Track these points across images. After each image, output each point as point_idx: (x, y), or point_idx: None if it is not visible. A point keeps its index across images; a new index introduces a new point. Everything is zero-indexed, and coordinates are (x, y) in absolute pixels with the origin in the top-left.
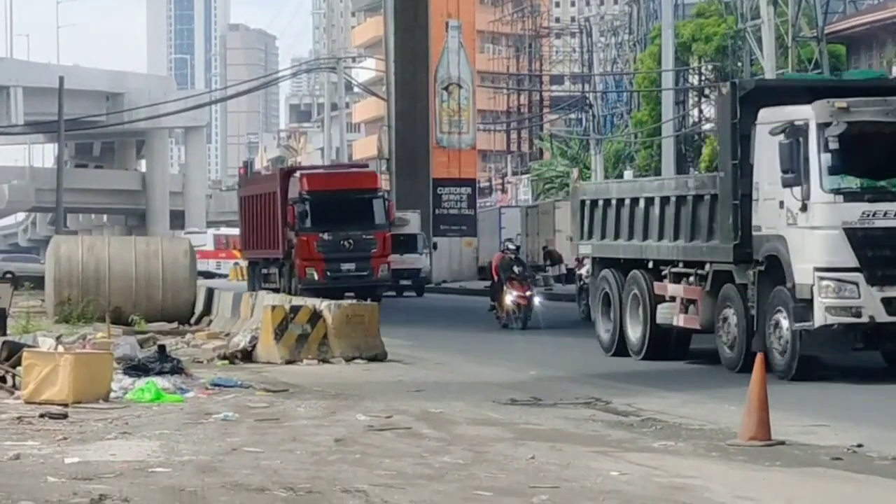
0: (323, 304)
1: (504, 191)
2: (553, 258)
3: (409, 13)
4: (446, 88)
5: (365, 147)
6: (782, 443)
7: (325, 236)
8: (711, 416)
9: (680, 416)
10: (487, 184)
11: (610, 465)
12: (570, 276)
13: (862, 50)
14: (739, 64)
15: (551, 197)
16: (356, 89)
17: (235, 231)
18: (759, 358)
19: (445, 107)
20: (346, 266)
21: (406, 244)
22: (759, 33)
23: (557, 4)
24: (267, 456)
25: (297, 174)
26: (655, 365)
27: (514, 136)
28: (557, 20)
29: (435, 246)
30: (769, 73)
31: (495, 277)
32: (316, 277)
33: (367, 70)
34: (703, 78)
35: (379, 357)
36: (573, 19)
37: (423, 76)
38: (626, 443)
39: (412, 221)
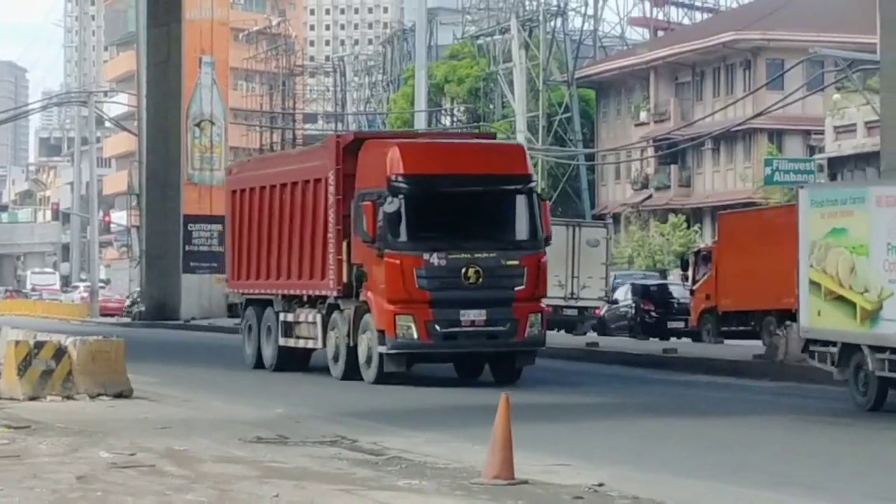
0: (68, 340)
1: None
2: None
3: (161, 49)
4: (198, 125)
5: (115, 182)
6: (526, 482)
7: (436, 259)
8: (456, 454)
9: (425, 455)
10: None
11: (355, 503)
12: None
13: (611, 94)
14: (491, 106)
15: None
16: (107, 124)
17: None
18: (503, 398)
19: (197, 143)
20: (470, 316)
21: None
22: (511, 76)
23: (312, 43)
24: (6, 493)
25: (378, 143)
26: (404, 403)
27: None
28: (312, 59)
29: None
30: (520, 116)
31: None
32: (415, 335)
33: (118, 105)
34: (455, 119)
35: (125, 394)
36: (327, 58)
37: (175, 112)
38: (370, 481)
39: None
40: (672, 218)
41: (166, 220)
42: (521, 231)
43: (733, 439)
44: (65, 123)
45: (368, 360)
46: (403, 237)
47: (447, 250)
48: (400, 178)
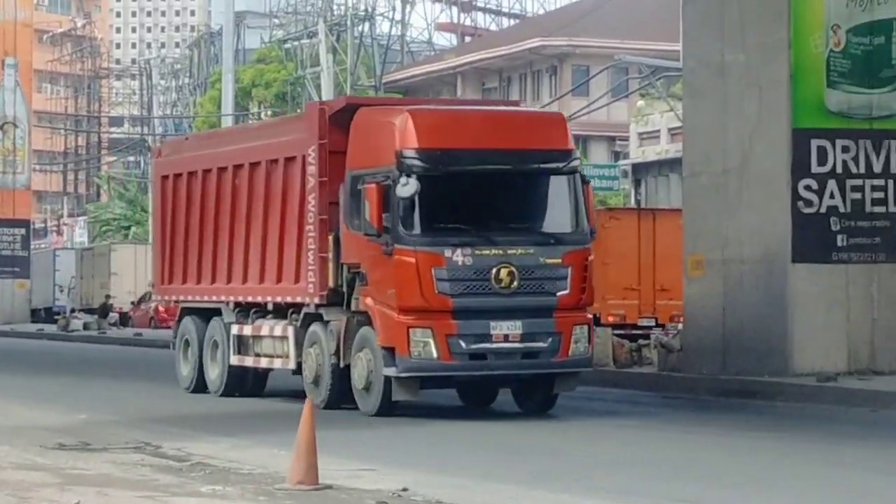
0: None
1: (60, 232)
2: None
3: None
4: (1, 127)
5: None
6: (330, 487)
7: (460, 257)
8: (261, 460)
9: (230, 461)
10: (43, 225)
11: None
12: (123, 320)
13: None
14: (299, 110)
15: (108, 239)
16: None
17: None
18: (307, 403)
19: (0, 146)
20: (503, 329)
21: None
22: (319, 80)
23: (118, 46)
24: None
25: (379, 111)
26: (209, 408)
27: (71, 177)
28: (118, 61)
29: None
30: None
31: None
32: (435, 354)
33: None
34: None
35: None
36: (134, 61)
37: None
38: (173, 487)
39: None
40: None
41: None
42: (564, 221)
43: (538, 444)
44: None
45: (368, 386)
46: (418, 229)
47: (474, 246)
48: (413, 154)
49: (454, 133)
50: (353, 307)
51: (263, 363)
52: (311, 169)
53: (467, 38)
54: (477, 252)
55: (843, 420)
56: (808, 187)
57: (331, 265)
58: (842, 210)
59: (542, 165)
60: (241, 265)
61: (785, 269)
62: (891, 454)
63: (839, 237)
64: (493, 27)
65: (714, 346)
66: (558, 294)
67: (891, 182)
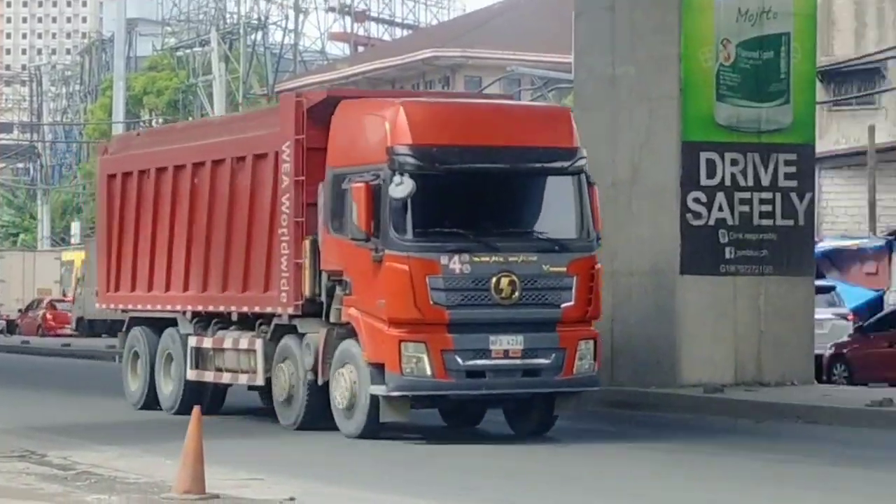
0: None
1: None
2: None
3: None
4: None
5: None
6: (217, 496)
7: (457, 264)
8: (147, 469)
9: (116, 470)
10: None
11: None
12: (10, 328)
13: None
14: (190, 118)
15: None
16: None
17: None
18: (195, 411)
19: None
20: (503, 343)
21: None
22: (211, 89)
23: (8, 51)
24: None
25: (366, 104)
26: (99, 417)
27: None
28: (8, 67)
29: None
30: None
31: None
32: (429, 371)
33: None
34: None
35: None
36: (24, 67)
37: None
38: (59, 496)
39: None
40: None
41: None
42: (568, 226)
43: (429, 455)
44: None
45: (351, 406)
46: (411, 233)
47: (472, 252)
48: (407, 151)
49: (451, 128)
50: (332, 318)
51: (225, 378)
52: (286, 167)
53: (360, 48)
54: (475, 259)
55: (728, 431)
56: (696, 200)
57: (307, 272)
58: (730, 223)
59: (546, 164)
60: (200, 272)
61: (673, 281)
62: (774, 465)
63: (727, 249)
64: (387, 37)
65: (603, 358)
66: (562, 306)
67: (778, 195)
